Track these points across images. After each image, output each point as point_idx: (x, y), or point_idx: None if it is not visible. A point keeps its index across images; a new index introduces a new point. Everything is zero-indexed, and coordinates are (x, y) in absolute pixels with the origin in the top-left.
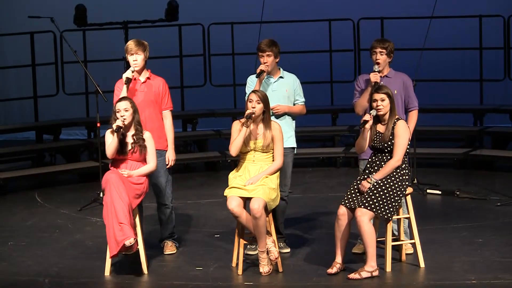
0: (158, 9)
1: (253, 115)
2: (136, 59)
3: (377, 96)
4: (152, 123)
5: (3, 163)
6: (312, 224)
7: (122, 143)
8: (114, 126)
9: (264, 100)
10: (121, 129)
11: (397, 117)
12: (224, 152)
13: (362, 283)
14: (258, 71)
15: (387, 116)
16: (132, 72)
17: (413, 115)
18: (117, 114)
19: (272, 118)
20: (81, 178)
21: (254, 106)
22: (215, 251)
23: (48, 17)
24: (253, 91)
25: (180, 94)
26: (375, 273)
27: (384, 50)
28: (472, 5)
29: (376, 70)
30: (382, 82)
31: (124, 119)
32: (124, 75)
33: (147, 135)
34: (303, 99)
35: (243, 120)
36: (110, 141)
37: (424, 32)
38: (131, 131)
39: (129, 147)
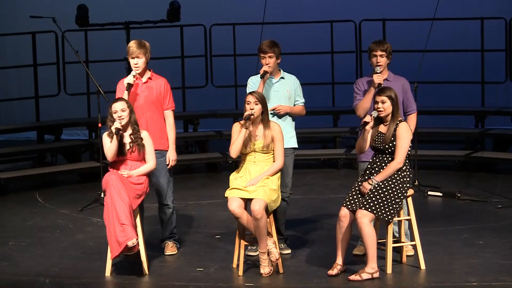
0: (160, 9)
1: (252, 116)
2: (137, 62)
3: (378, 98)
4: (154, 124)
5: (4, 163)
6: (313, 225)
7: (120, 144)
8: (112, 129)
9: (262, 101)
10: (120, 131)
11: (400, 119)
12: (225, 153)
13: (363, 285)
14: (261, 72)
15: (389, 118)
16: (134, 76)
17: (412, 119)
18: (114, 115)
19: (274, 118)
20: (82, 178)
21: (253, 108)
22: (216, 252)
23: (50, 17)
24: (250, 93)
25: (181, 94)
26: (376, 275)
27: (384, 53)
28: (474, 7)
29: (378, 71)
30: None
31: (122, 119)
32: (125, 81)
33: (144, 134)
34: (303, 100)
35: (242, 121)
36: (110, 144)
37: (426, 34)
38: (129, 131)
39: (128, 147)
